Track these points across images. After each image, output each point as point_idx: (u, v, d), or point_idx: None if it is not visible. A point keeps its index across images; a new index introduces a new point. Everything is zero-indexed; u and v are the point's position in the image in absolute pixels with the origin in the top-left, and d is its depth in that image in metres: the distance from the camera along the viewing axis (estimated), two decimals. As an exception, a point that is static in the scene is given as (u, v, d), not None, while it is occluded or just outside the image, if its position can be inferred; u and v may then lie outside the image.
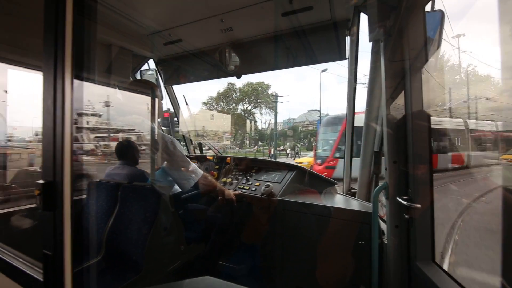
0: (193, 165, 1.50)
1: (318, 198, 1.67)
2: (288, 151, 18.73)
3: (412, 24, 1.11)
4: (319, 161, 8.58)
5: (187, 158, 1.49)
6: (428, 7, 1.11)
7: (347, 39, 1.60)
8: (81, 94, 0.67)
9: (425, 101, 1.13)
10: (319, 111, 21.97)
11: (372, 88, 1.52)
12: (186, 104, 2.52)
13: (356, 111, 1.82)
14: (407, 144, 1.12)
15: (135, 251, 1.30)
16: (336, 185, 1.81)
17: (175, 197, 1.49)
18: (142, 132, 1.46)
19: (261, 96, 29.00)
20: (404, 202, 1.08)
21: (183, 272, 1.49)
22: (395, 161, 1.15)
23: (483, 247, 2.47)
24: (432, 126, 1.11)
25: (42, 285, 0.70)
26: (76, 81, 0.65)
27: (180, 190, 1.54)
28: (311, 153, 11.85)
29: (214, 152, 2.58)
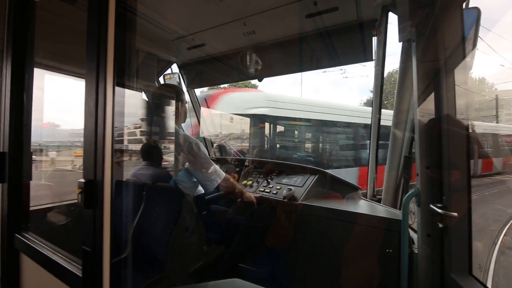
0: (216, 167, 1.52)
1: (342, 203, 1.63)
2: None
3: (448, 23, 1.05)
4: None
5: (210, 160, 1.51)
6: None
7: (374, 39, 1.55)
8: (120, 98, 0.70)
9: (461, 103, 1.06)
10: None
11: (401, 90, 1.47)
12: (208, 107, 2.57)
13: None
14: (442, 148, 1.06)
15: (159, 250, 1.33)
16: (360, 190, 1.76)
17: (198, 198, 1.51)
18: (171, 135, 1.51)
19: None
20: (439, 210, 1.02)
21: (205, 273, 1.50)
22: (427, 167, 1.09)
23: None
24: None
25: (81, 281, 0.73)
26: (116, 86, 0.68)
27: (203, 192, 1.56)
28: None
29: (234, 154, 2.60)
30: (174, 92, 1.58)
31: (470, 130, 1.05)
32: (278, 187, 1.77)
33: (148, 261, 1.34)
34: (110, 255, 0.68)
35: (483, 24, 1.07)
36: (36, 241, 1.04)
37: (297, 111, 5.98)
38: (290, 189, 1.63)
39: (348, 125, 6.75)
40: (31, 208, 1.21)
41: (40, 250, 0.97)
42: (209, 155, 2.64)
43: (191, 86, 2.38)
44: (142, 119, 1.48)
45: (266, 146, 5.61)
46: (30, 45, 1.16)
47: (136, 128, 1.42)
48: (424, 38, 1.13)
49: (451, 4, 1.04)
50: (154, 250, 1.35)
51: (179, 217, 1.37)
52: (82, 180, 0.69)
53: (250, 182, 1.94)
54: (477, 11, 1.10)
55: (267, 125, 5.53)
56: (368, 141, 1.84)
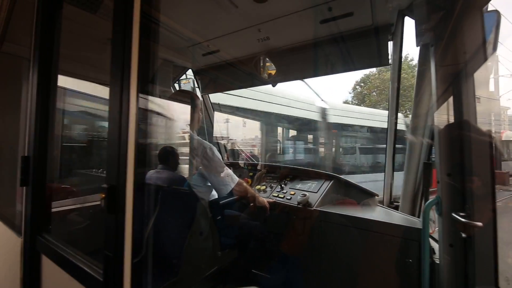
0: (230, 171, 1.53)
1: (358, 210, 1.59)
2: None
3: (467, 26, 1.03)
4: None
5: (224, 164, 1.52)
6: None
7: (390, 44, 1.53)
8: (143, 105, 0.71)
9: (482, 108, 1.03)
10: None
11: (419, 94, 1.43)
12: (220, 111, 2.60)
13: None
14: (463, 154, 1.03)
15: (174, 254, 1.34)
16: (376, 197, 1.72)
17: (213, 203, 1.52)
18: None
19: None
20: (462, 219, 0.98)
21: (219, 279, 1.50)
22: (449, 173, 1.06)
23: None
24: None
25: (101, 285, 0.74)
26: (138, 94, 0.70)
27: (217, 196, 1.56)
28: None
29: (247, 159, 2.60)
30: (189, 97, 1.61)
31: (493, 136, 1.01)
32: (292, 193, 1.75)
33: (164, 265, 1.35)
34: (132, 260, 0.68)
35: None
36: (57, 243, 1.06)
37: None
38: (305, 195, 1.61)
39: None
40: (53, 210, 1.24)
41: (60, 252, 1.00)
42: (223, 160, 2.66)
43: (205, 91, 2.42)
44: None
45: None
46: (55, 53, 1.21)
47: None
48: (443, 42, 1.10)
49: (470, 7, 1.02)
50: (169, 254, 1.36)
51: (194, 221, 1.37)
52: (105, 186, 0.71)
53: (264, 187, 1.93)
54: (497, 14, 1.07)
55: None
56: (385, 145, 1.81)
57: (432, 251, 1.21)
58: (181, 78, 2.36)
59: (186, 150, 1.58)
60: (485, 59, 1.02)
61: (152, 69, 0.76)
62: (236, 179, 1.54)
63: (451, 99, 1.07)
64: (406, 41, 1.52)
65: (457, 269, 1.04)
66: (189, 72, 2.41)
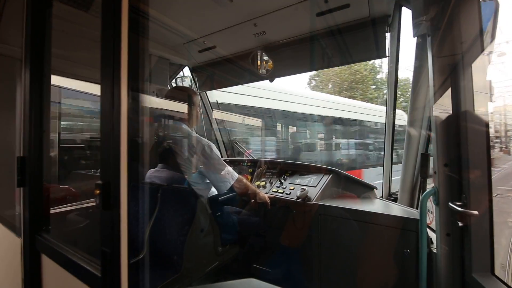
0: (229, 168, 1.53)
1: (357, 202, 1.60)
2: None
3: (464, 16, 1.02)
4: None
5: (223, 161, 1.52)
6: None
7: (387, 35, 1.52)
8: (136, 102, 0.71)
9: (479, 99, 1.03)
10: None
11: (416, 86, 1.43)
12: (219, 109, 2.59)
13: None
14: (460, 145, 1.03)
15: (175, 250, 1.35)
16: (375, 190, 1.73)
17: (212, 200, 1.52)
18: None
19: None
20: (458, 208, 0.98)
21: (220, 274, 1.51)
22: (445, 164, 1.06)
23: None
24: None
25: (100, 281, 0.74)
26: (130, 91, 0.69)
27: (216, 193, 1.57)
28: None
29: (246, 155, 2.60)
30: (186, 94, 1.60)
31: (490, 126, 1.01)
32: (292, 188, 1.76)
33: (165, 262, 1.35)
34: (128, 256, 0.69)
35: (503, 16, 1.04)
36: (56, 242, 1.07)
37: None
38: (304, 189, 1.62)
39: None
40: (51, 211, 1.24)
41: (59, 250, 1.00)
42: (222, 157, 2.66)
43: (203, 88, 2.40)
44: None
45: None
46: (47, 53, 1.20)
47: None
48: (440, 33, 1.09)
49: (467, -4, 1.01)
50: (170, 251, 1.36)
51: (194, 218, 1.38)
52: (100, 182, 0.70)
53: (263, 183, 1.94)
54: (495, 2, 1.06)
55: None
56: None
57: (429, 241, 1.22)
58: (177, 76, 2.35)
59: (184, 147, 1.57)
60: (483, 49, 1.01)
61: (143, 65, 0.75)
62: (236, 175, 1.54)
63: (449, 90, 1.07)
64: (403, 32, 1.51)
65: (454, 258, 1.05)
66: (186, 70, 2.40)
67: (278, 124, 5.40)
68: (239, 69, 2.09)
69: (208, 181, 1.52)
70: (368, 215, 1.39)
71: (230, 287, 1.03)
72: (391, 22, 1.48)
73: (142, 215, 1.18)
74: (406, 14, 1.43)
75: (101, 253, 0.73)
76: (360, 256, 1.41)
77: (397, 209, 1.49)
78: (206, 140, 1.50)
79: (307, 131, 6.22)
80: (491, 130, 1.05)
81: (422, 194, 1.30)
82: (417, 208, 1.56)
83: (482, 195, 0.98)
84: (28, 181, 1.15)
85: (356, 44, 1.61)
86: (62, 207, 1.50)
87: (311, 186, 1.70)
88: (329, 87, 12.89)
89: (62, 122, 2.01)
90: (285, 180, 1.89)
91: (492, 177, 0.98)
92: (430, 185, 1.33)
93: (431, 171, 1.25)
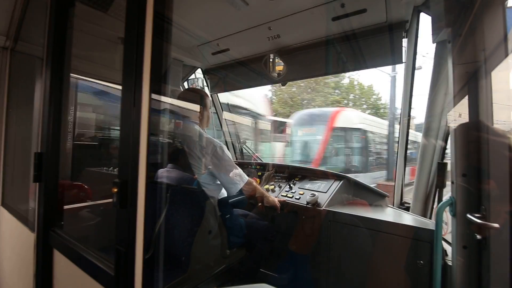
0: (239, 170, 1.52)
1: (367, 210, 1.57)
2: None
3: (488, 22, 1.00)
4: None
5: (234, 163, 1.51)
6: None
7: (404, 41, 1.49)
8: (153, 102, 0.72)
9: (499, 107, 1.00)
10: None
11: (433, 93, 1.40)
12: (229, 111, 2.59)
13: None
14: (479, 154, 1.00)
15: (183, 251, 1.35)
16: (387, 198, 1.69)
17: (221, 202, 1.52)
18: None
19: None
20: (477, 220, 0.95)
21: (227, 277, 1.50)
22: (464, 174, 1.03)
23: None
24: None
25: (113, 279, 0.74)
26: (150, 92, 0.70)
27: (225, 195, 1.56)
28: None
29: (254, 158, 2.60)
30: (199, 96, 1.61)
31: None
32: (301, 192, 1.74)
33: (173, 262, 1.35)
34: (143, 255, 0.68)
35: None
36: (68, 238, 1.08)
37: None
38: (314, 195, 1.60)
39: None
40: (65, 207, 1.26)
41: (72, 247, 1.01)
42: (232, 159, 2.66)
43: (214, 90, 2.42)
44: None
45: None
46: (68, 52, 1.23)
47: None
48: (461, 39, 1.07)
49: (491, 3, 0.99)
50: (179, 251, 1.36)
51: (203, 220, 1.37)
52: (117, 180, 0.71)
53: (272, 186, 1.92)
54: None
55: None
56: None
57: (444, 253, 1.18)
58: (190, 78, 2.37)
59: (196, 148, 1.57)
60: (506, 56, 0.98)
61: (163, 67, 0.76)
62: (246, 178, 1.53)
63: (467, 98, 1.04)
64: (420, 38, 1.49)
65: (471, 272, 1.02)
66: (198, 71, 2.42)
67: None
68: (251, 72, 2.09)
69: (219, 182, 1.52)
70: (380, 224, 1.36)
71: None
72: (409, 27, 1.45)
73: (156, 214, 1.19)
74: (424, 20, 1.42)
75: (116, 252, 0.73)
76: (371, 265, 1.38)
77: (410, 219, 1.45)
78: (218, 141, 1.50)
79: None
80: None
81: (437, 204, 1.26)
82: (430, 218, 1.52)
83: (502, 207, 0.94)
84: (44, 177, 1.17)
85: (372, 49, 1.59)
86: (75, 204, 1.53)
87: (321, 192, 1.67)
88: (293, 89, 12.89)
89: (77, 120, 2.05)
90: (294, 184, 1.87)
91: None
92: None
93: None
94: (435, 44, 1.30)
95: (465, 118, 1.06)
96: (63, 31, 1.20)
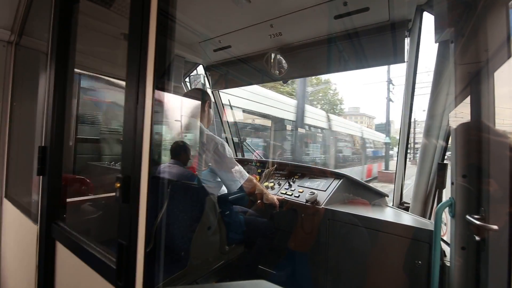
0: (240, 168, 1.53)
1: (367, 209, 1.57)
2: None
3: (491, 23, 0.99)
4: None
5: (235, 160, 1.52)
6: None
7: (406, 41, 1.49)
8: (156, 99, 0.72)
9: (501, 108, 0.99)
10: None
11: (435, 93, 1.39)
12: (231, 108, 2.60)
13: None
14: (480, 155, 0.99)
15: (183, 246, 1.36)
16: (387, 197, 1.69)
17: (221, 198, 1.53)
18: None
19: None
20: (476, 222, 0.95)
21: (225, 272, 1.51)
22: (464, 175, 1.03)
23: None
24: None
25: (114, 272, 0.76)
26: (154, 88, 0.71)
27: (226, 192, 1.58)
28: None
29: (255, 155, 2.61)
30: (201, 94, 1.62)
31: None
32: (301, 190, 1.75)
33: (172, 257, 1.37)
34: (145, 249, 0.69)
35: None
36: (71, 231, 1.10)
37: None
38: (313, 193, 1.60)
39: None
40: (67, 200, 1.28)
41: (74, 239, 1.02)
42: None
43: (216, 87, 2.43)
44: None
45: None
46: (72, 47, 1.24)
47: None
48: (464, 39, 1.07)
49: (495, 3, 0.98)
50: (179, 246, 1.38)
51: (202, 216, 1.39)
52: (120, 176, 0.72)
53: (272, 184, 1.93)
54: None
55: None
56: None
57: (443, 253, 1.18)
58: (191, 74, 2.38)
59: (198, 145, 1.59)
60: (509, 57, 0.98)
61: (167, 64, 0.76)
62: (246, 175, 1.55)
63: (469, 98, 1.04)
64: (423, 38, 1.48)
65: (469, 273, 1.02)
66: (200, 68, 2.43)
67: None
68: (252, 69, 2.09)
69: (219, 180, 1.53)
70: (379, 223, 1.37)
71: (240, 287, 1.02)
72: (411, 26, 1.45)
73: (157, 209, 1.20)
74: (427, 19, 1.41)
75: (118, 245, 0.74)
76: (369, 264, 1.39)
77: (409, 219, 1.45)
78: (219, 138, 1.51)
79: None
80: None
81: (436, 205, 1.26)
82: (430, 219, 1.52)
83: (502, 209, 0.94)
84: (47, 170, 1.19)
85: (374, 48, 1.58)
86: (78, 197, 1.55)
87: (321, 190, 1.68)
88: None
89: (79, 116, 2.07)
90: (294, 182, 1.88)
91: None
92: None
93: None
94: (437, 43, 1.29)
95: (466, 119, 1.06)
96: (67, 26, 1.20)
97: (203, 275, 1.44)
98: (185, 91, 2.34)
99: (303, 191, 1.74)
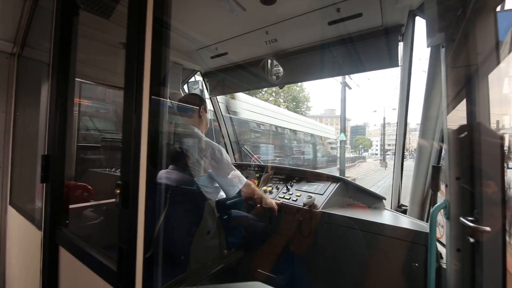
0: (238, 173, 1.55)
1: (364, 212, 1.58)
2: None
3: (481, 27, 1.01)
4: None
5: (232, 166, 1.55)
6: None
7: (400, 45, 1.51)
8: (154, 106, 0.75)
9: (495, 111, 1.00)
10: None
11: (429, 96, 1.41)
12: (229, 113, 2.63)
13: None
14: (474, 158, 1.01)
15: (182, 250, 1.38)
16: (384, 200, 1.70)
17: (219, 203, 1.55)
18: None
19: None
20: (470, 224, 0.96)
21: (225, 276, 1.53)
22: (458, 177, 1.04)
23: None
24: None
25: (116, 275, 0.78)
26: (151, 95, 0.73)
27: (224, 197, 1.59)
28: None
29: (254, 160, 2.63)
30: (198, 100, 1.65)
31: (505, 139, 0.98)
32: (298, 194, 1.76)
33: (172, 261, 1.39)
34: (144, 253, 0.72)
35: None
36: (74, 236, 1.12)
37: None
38: (311, 197, 1.62)
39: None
40: (70, 206, 1.31)
41: (77, 244, 1.05)
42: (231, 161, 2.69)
43: (213, 93, 2.46)
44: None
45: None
46: (73, 57, 1.27)
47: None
48: (454, 43, 1.08)
49: (483, 8, 1.00)
50: (178, 250, 1.40)
51: (201, 220, 1.41)
52: (119, 182, 0.74)
53: (270, 188, 1.95)
54: (512, 13, 1.04)
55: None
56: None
57: (439, 255, 1.19)
58: (189, 81, 2.41)
59: (195, 150, 1.61)
60: (500, 60, 0.99)
61: (163, 71, 0.79)
62: (244, 180, 1.56)
63: (463, 102, 1.05)
64: (416, 42, 1.50)
65: (464, 274, 1.02)
66: (197, 75, 2.46)
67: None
68: (249, 75, 2.13)
69: (217, 185, 1.55)
70: (376, 226, 1.38)
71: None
72: (404, 31, 1.47)
73: (156, 214, 1.22)
74: (420, 23, 1.43)
75: (118, 249, 0.76)
76: (366, 267, 1.40)
77: (406, 221, 1.46)
78: (216, 144, 1.53)
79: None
80: (506, 143, 1.02)
81: (432, 207, 1.27)
82: (427, 221, 1.52)
83: (495, 211, 0.96)
84: (51, 177, 1.22)
85: (368, 53, 1.61)
86: (80, 203, 1.58)
87: (318, 194, 1.69)
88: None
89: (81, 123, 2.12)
90: (291, 186, 1.90)
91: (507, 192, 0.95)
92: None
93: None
94: (429, 48, 1.31)
95: (459, 122, 1.07)
96: (68, 37, 1.24)
97: (202, 279, 1.46)
98: (182, 97, 2.36)
99: (300, 195, 1.75)
